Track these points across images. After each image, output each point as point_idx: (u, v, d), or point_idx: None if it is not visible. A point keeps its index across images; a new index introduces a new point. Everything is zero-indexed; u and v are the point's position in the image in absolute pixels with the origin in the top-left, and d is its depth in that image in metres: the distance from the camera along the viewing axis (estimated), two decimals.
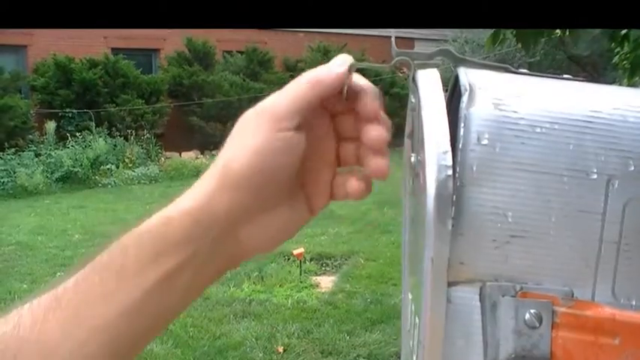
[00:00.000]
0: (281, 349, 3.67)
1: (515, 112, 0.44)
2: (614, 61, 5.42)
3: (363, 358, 3.59)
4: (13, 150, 9.37)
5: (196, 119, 11.73)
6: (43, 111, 10.51)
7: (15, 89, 10.59)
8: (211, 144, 11.63)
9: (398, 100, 13.31)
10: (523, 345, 0.42)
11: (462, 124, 0.44)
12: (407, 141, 0.57)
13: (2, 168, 8.93)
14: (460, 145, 0.43)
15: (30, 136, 10.04)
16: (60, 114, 10.51)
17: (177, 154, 11.38)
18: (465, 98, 0.45)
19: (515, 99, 0.45)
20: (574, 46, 11.43)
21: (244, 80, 11.88)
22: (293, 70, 13.07)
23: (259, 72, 12.39)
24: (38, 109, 10.59)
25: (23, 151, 9.51)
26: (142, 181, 9.48)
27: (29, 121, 10.20)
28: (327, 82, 0.51)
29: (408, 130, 0.56)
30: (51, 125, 10.05)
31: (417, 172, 0.49)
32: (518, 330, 0.42)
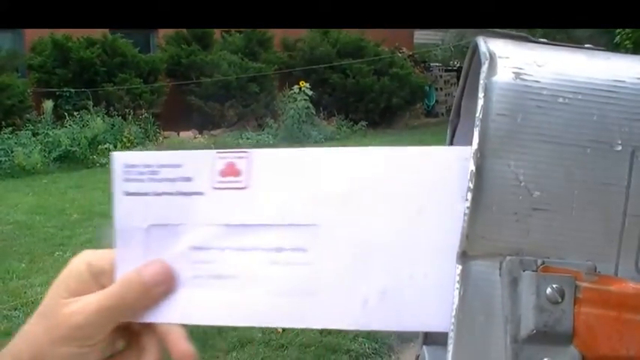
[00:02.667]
0: (280, 329, 3.68)
1: (537, 81, 0.43)
2: (615, 40, 5.39)
3: (362, 337, 3.60)
4: (10, 129, 9.33)
5: (195, 99, 11.69)
6: (41, 90, 10.45)
7: (12, 68, 10.53)
8: (210, 124, 11.61)
9: (397, 80, 13.29)
10: (545, 321, 0.41)
11: (482, 94, 0.42)
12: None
13: (0, 147, 8.90)
14: (480, 116, 0.42)
15: (27, 116, 10.00)
16: (57, 93, 10.46)
17: (176, 133, 11.35)
18: (485, 68, 0.43)
19: (537, 68, 0.43)
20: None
21: (243, 60, 11.82)
22: (292, 49, 13.02)
23: (258, 51, 12.32)
24: (35, 88, 10.53)
25: (21, 130, 9.47)
26: None
27: (26, 100, 10.15)
28: (138, 304, 0.50)
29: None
30: (48, 104, 10.00)
31: None
32: (540, 306, 0.41)
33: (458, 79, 14.58)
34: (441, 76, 15.67)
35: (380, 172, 0.49)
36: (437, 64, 16.06)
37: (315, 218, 0.50)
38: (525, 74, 0.43)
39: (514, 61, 0.44)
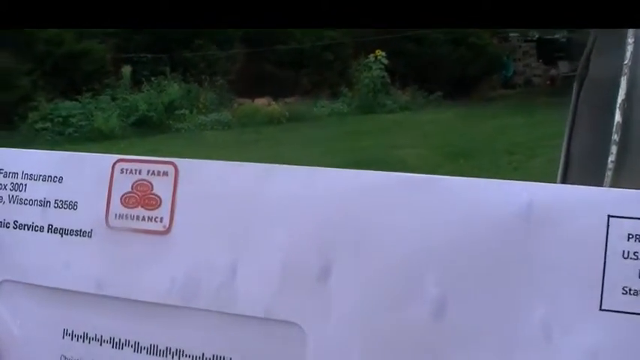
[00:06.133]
0: None
1: None
2: None
3: None
4: (90, 94, 9.51)
5: (269, 66, 11.71)
6: (119, 56, 10.61)
7: (91, 34, 10.71)
8: (284, 91, 11.63)
9: (474, 50, 13.06)
10: None
11: (632, 40, 0.37)
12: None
13: (80, 112, 9.09)
14: (629, 63, 0.37)
15: (106, 81, 10.17)
16: (135, 59, 10.60)
17: (250, 100, 11.40)
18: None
19: None
20: None
21: None
22: None
23: None
24: (114, 54, 10.70)
25: (100, 95, 9.64)
26: (215, 127, 9.53)
27: (106, 66, 10.32)
28: None
29: None
30: (127, 70, 10.15)
31: None
32: None
33: (537, 50, 14.17)
34: (519, 47, 15.32)
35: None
36: (515, 34, 15.70)
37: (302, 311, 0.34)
38: None
39: None
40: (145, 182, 0.35)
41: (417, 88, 12.23)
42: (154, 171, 0.35)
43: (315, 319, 0.32)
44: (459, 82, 13.08)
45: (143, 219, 0.35)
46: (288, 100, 11.63)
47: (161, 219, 0.35)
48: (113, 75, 10.31)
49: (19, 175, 0.37)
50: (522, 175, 4.74)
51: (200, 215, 0.35)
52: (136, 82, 10.22)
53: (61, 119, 8.90)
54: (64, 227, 0.36)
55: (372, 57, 10.99)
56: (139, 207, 0.35)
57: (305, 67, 11.47)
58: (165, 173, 0.35)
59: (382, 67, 10.95)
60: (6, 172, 0.38)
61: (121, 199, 0.36)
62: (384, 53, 10.92)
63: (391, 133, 7.46)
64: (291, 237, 0.33)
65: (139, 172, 0.36)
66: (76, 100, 9.27)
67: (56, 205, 0.37)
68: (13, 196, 0.37)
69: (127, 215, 0.35)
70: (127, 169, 0.36)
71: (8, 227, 0.37)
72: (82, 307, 0.36)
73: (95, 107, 9.25)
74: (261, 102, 11.44)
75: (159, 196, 0.35)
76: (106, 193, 0.36)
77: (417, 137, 6.90)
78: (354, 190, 0.32)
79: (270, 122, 9.81)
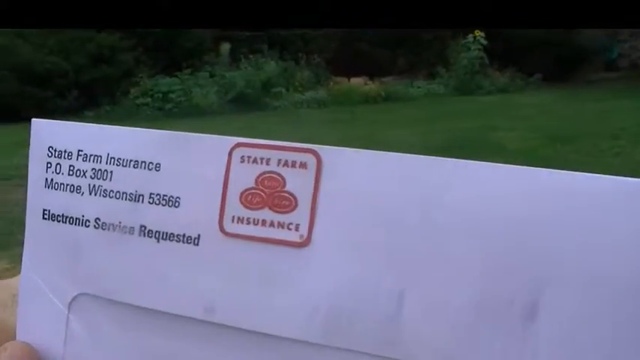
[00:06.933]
0: None
1: None
2: None
3: None
4: (189, 70, 9.67)
5: (365, 45, 11.66)
6: (218, 33, 10.75)
7: None
8: (380, 70, 11.56)
9: (575, 31, 12.67)
10: None
11: None
12: None
13: (179, 87, 9.26)
14: None
15: (205, 57, 10.33)
16: (233, 36, 10.72)
17: (346, 79, 11.38)
18: None
19: None
20: None
21: None
22: None
23: None
24: (213, 31, 10.84)
25: (199, 72, 9.80)
26: (311, 105, 9.56)
27: (205, 43, 10.48)
28: None
29: None
30: (225, 47, 10.28)
31: None
32: None
33: None
34: None
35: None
36: None
37: None
38: None
39: None
40: (274, 175, 0.27)
41: (516, 70, 11.96)
42: (287, 161, 0.26)
43: None
44: (560, 64, 12.72)
45: (271, 225, 0.26)
46: (384, 79, 11.56)
47: (297, 226, 0.26)
48: (212, 52, 10.47)
49: (104, 159, 0.29)
50: (625, 162, 4.57)
51: (351, 222, 0.25)
52: (234, 60, 10.35)
53: (160, 95, 9.10)
54: (161, 230, 0.28)
55: (470, 37, 10.80)
56: (266, 209, 0.26)
57: (402, 46, 11.37)
58: (303, 164, 0.26)
59: (480, 47, 10.76)
60: (86, 154, 0.29)
61: (240, 196, 0.27)
62: (482, 34, 10.72)
63: (488, 116, 7.32)
64: (484, 257, 0.24)
65: (267, 162, 0.27)
66: (176, 76, 9.45)
67: (151, 201, 0.28)
68: (94, 186, 0.29)
69: (248, 219, 0.27)
70: (249, 157, 0.28)
71: (87, 226, 0.29)
72: (181, 337, 0.28)
73: (194, 84, 9.41)
74: (357, 81, 11.41)
75: (294, 195, 0.26)
76: (221, 188, 0.27)
77: (515, 120, 6.75)
78: (567, 195, 0.24)
79: (366, 102, 9.78)
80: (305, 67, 10.63)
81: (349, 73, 11.51)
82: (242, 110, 9.34)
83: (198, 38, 10.30)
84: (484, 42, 10.69)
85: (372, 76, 11.56)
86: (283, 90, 9.77)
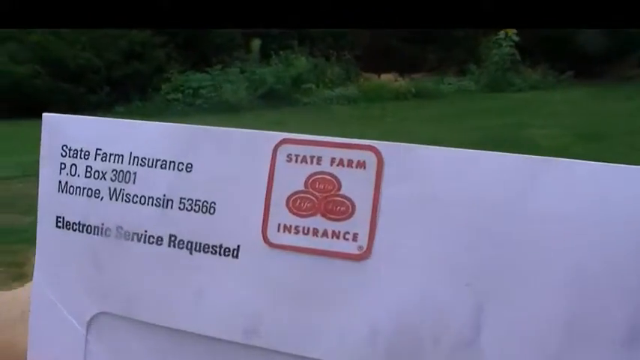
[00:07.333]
0: None
1: None
2: None
3: None
4: (219, 66, 9.71)
5: (395, 41, 11.62)
6: (248, 30, 10.77)
7: None
8: (410, 67, 11.51)
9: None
10: None
11: None
12: None
13: (209, 83, 9.31)
14: None
15: (235, 53, 10.36)
16: (264, 32, 10.74)
17: (376, 75, 11.35)
18: None
19: None
20: None
21: None
22: None
23: None
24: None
25: (229, 68, 9.83)
26: (341, 102, 9.55)
27: (235, 39, 10.51)
28: None
29: None
30: (256, 43, 10.30)
31: None
32: None
33: None
34: None
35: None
36: None
37: None
38: None
39: None
40: (327, 177, 0.23)
41: (548, 67, 11.84)
42: (341, 159, 0.23)
43: None
44: (593, 60, 12.58)
45: (325, 234, 0.23)
46: (414, 76, 11.51)
47: (354, 236, 0.22)
48: (242, 48, 10.49)
49: (126, 159, 0.25)
50: None
51: (418, 231, 0.22)
52: (265, 56, 10.37)
53: (191, 91, 9.15)
54: (193, 240, 0.24)
55: (502, 34, 10.71)
56: (318, 215, 0.23)
57: (432, 43, 11.32)
58: (361, 164, 0.23)
59: (512, 44, 10.67)
60: (106, 153, 0.25)
61: (287, 201, 0.23)
62: (514, 30, 10.63)
63: (520, 113, 7.27)
64: (579, 272, 0.20)
65: (319, 161, 0.24)
66: (206, 72, 9.49)
67: (182, 206, 0.24)
68: (115, 189, 0.25)
69: (297, 227, 0.23)
70: (297, 156, 0.24)
71: (109, 236, 0.25)
72: None
73: (224, 79, 9.44)
74: (387, 77, 11.37)
75: (350, 200, 0.23)
76: (264, 192, 0.24)
77: (546, 117, 6.69)
78: None
79: (397, 98, 9.75)
80: (335, 63, 10.62)
81: (379, 70, 11.48)
82: (272, 106, 9.35)
83: (228, 34, 10.34)
84: (516, 38, 10.61)
85: (402, 72, 11.52)
86: (313, 86, 9.77)
